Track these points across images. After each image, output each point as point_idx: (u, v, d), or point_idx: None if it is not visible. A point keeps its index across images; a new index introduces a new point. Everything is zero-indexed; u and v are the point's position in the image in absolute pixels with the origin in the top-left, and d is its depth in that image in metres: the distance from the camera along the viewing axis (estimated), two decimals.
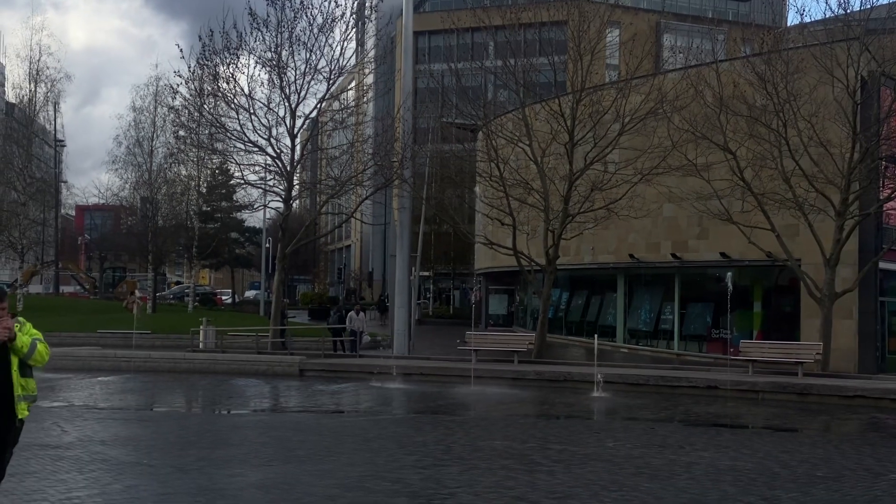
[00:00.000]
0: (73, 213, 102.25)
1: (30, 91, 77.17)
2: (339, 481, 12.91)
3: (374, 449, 16.36)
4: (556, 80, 37.69)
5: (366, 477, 13.25)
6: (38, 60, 76.59)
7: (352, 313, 39.77)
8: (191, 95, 39.97)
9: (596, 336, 30.94)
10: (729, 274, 31.72)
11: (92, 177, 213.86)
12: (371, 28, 49.63)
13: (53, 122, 78.94)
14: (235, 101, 37.96)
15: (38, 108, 77.46)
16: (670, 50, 58.02)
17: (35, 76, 76.31)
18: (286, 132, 38.22)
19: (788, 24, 57.60)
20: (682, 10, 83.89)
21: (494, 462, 14.98)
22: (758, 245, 33.26)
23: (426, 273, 69.71)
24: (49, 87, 77.05)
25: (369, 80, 46.98)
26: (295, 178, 39.56)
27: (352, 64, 42.41)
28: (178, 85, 39.98)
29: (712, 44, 41.00)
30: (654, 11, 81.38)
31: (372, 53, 46.15)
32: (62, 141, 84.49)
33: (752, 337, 36.18)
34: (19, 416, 9.09)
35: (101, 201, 77.56)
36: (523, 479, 13.26)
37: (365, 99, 43.93)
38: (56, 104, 77.97)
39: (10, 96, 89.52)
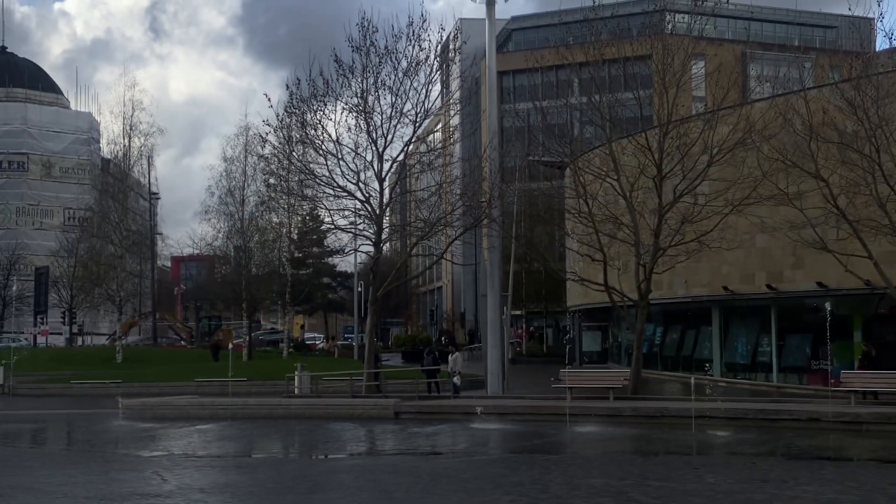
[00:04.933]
0: (169, 263, 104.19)
1: (124, 146, 79.12)
2: None
3: (471, 490, 16.28)
4: (642, 113, 37.47)
5: None
6: (132, 116, 78.53)
7: (450, 355, 39.86)
8: (280, 143, 40.62)
9: (706, 370, 30.47)
10: (827, 305, 31.08)
11: (189, 227, 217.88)
12: (455, 70, 49.90)
13: (147, 176, 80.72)
14: (323, 147, 38.44)
15: (132, 162, 79.32)
16: (757, 79, 57.47)
17: (129, 131, 78.25)
18: (374, 176, 38.51)
19: (877, 49, 56.64)
20: (767, 39, 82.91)
21: (592, 500, 14.80)
22: (855, 273, 32.54)
23: (518, 312, 69.43)
24: (142, 141, 78.90)
25: (455, 121, 47.26)
26: (384, 221, 39.82)
27: (437, 106, 42.68)
28: (267, 133, 40.66)
29: (799, 71, 40.37)
30: (739, 42, 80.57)
31: (457, 95, 46.38)
32: (156, 193, 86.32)
33: (853, 367, 35.32)
34: None
35: (196, 251, 78.88)
36: None
37: (451, 140, 44.10)
38: (150, 157, 79.75)
39: (106, 152, 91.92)
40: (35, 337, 76.63)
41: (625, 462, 20.54)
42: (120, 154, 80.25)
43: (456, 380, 36.99)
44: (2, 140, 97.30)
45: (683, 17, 45.55)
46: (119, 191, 78.66)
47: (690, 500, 14.62)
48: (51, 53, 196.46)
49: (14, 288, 69.05)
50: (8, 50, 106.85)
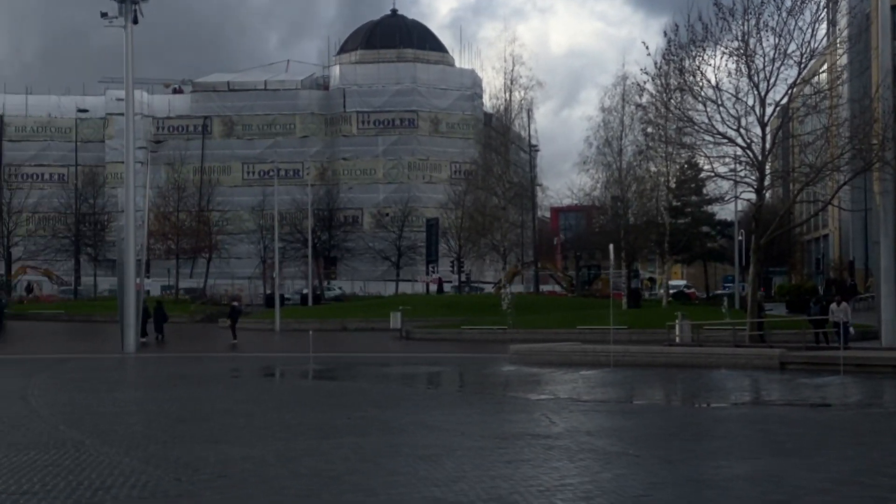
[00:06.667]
0: (549, 214, 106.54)
1: (505, 100, 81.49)
2: (830, 475, 12.50)
3: (868, 443, 15.64)
4: None
5: (860, 471, 12.73)
6: (512, 70, 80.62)
7: (832, 305, 38.30)
8: (657, 91, 40.44)
9: None
10: None
11: (568, 178, 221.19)
12: (843, 6, 47.33)
13: (527, 129, 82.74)
14: (702, 93, 37.91)
15: (513, 115, 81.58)
16: None
17: (509, 86, 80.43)
18: (756, 121, 37.59)
19: None
20: None
21: None
22: None
23: None
24: (522, 94, 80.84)
25: (843, 60, 44.88)
26: (766, 167, 38.76)
27: (823, 45, 40.78)
28: (644, 82, 40.64)
29: None
30: None
31: (845, 33, 44.05)
32: (536, 146, 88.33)
33: None
34: None
35: (574, 202, 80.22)
36: None
37: (839, 80, 42.03)
38: (529, 111, 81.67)
39: (488, 106, 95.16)
40: (427, 285, 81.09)
41: None
42: (501, 108, 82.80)
43: (852, 330, 35.60)
44: (394, 99, 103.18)
45: None
46: (501, 144, 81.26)
47: None
48: (438, 13, 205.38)
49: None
50: (398, 13, 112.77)
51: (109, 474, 12.64)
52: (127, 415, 20.42)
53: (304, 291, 78.55)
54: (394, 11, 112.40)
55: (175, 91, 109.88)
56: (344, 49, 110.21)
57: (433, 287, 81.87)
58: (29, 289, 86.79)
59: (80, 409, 21.49)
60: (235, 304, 55.45)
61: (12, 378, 29.21)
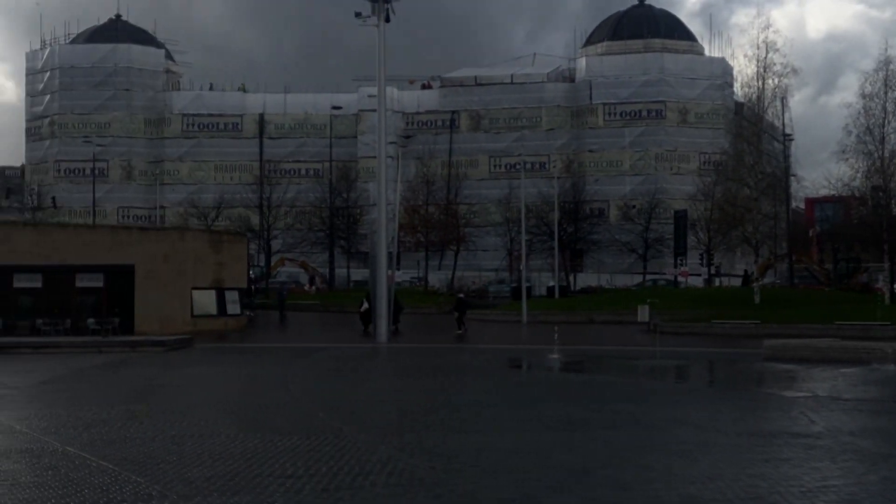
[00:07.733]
0: (804, 205, 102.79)
1: (758, 89, 78.83)
2: None
3: None
4: None
5: None
6: (765, 58, 77.89)
7: None
8: None
9: None
10: None
11: (825, 168, 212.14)
12: None
13: (781, 117, 79.98)
14: None
15: (766, 104, 78.97)
16: None
17: (762, 73, 77.85)
18: None
19: None
20: None
21: None
22: None
23: None
24: (776, 82, 78.12)
25: None
26: None
27: None
28: None
29: None
30: None
31: None
32: (790, 135, 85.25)
33: None
34: None
35: (832, 192, 77.06)
36: None
37: None
38: (783, 99, 78.80)
39: (739, 95, 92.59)
40: (675, 278, 79.85)
41: None
42: (753, 97, 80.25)
43: None
44: (641, 90, 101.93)
45: None
46: (753, 134, 78.92)
47: None
48: (687, 1, 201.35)
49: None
50: (645, 3, 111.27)
51: (367, 461, 13.02)
52: (381, 403, 21.04)
53: (551, 283, 78.80)
54: (641, 1, 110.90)
55: (424, 87, 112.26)
56: (590, 41, 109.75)
57: (682, 280, 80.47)
58: (312, 280, 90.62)
59: (336, 396, 22.28)
60: (461, 295, 55.98)
61: (274, 366, 30.59)
